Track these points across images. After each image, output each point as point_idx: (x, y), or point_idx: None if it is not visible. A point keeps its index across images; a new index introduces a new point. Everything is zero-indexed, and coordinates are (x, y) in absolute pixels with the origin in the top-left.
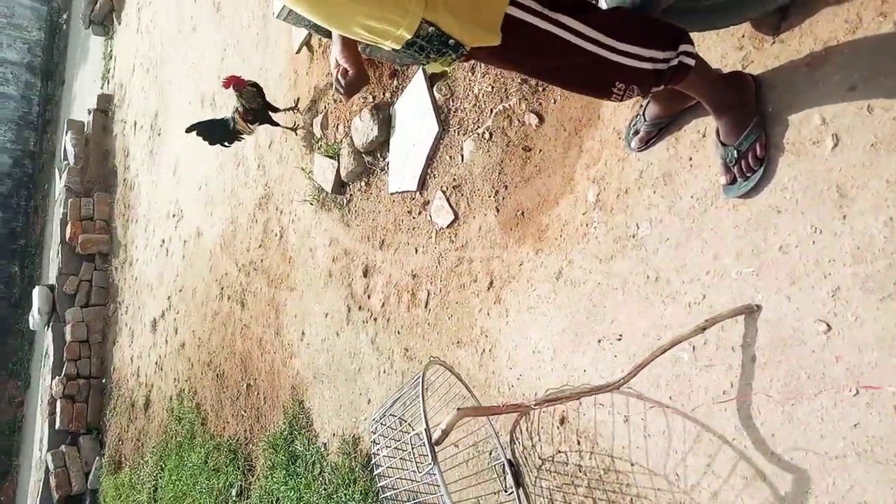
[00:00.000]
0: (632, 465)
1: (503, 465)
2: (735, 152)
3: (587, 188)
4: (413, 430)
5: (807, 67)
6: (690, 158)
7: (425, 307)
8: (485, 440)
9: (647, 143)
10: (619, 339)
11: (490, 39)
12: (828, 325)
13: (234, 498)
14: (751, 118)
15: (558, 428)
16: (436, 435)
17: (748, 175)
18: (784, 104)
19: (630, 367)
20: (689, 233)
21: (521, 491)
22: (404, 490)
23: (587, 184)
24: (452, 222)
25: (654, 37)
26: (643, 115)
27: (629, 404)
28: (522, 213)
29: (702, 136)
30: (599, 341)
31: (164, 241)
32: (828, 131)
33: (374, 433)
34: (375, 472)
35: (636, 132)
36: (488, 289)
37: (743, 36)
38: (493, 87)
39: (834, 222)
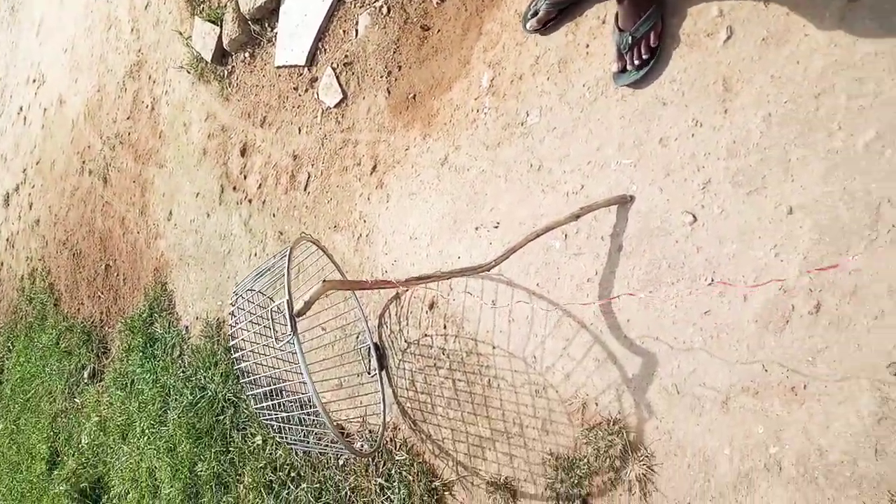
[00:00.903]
0: (493, 348)
1: (369, 347)
2: (630, 38)
3: (482, 73)
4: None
5: None
6: (587, 46)
7: (304, 190)
8: (353, 323)
9: (546, 24)
10: (497, 227)
11: None
12: (694, 216)
13: (85, 380)
14: (650, 4)
15: (427, 312)
16: (298, 306)
17: (638, 65)
18: None
19: (502, 251)
20: (577, 122)
21: (383, 373)
22: (261, 364)
23: (483, 68)
24: (340, 102)
25: None
26: None
27: (498, 291)
28: (414, 96)
29: (602, 22)
30: (477, 228)
31: (22, 108)
32: (723, 23)
33: (234, 305)
34: (230, 344)
35: (535, 13)
36: (371, 173)
37: None
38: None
39: (715, 116)
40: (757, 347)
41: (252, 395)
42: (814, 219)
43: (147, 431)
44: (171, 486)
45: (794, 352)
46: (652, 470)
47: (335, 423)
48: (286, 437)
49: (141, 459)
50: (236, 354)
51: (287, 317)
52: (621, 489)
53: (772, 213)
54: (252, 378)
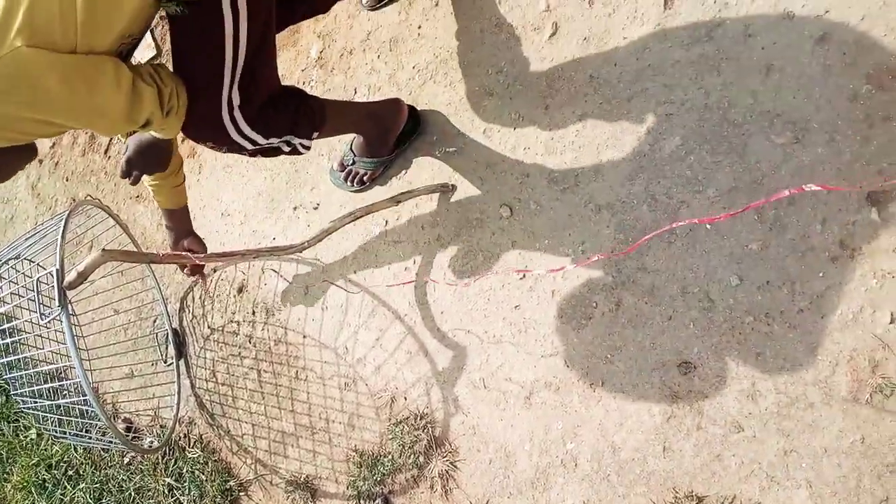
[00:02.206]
0: (304, 337)
1: (167, 333)
2: (352, 161)
3: (311, 44)
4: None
5: None
6: (419, 27)
7: (105, 153)
8: (151, 306)
9: (381, 0)
10: (316, 209)
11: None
12: (511, 209)
13: None
14: (387, 153)
15: (235, 297)
16: (70, 276)
17: (355, 187)
18: None
19: (316, 232)
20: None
21: (181, 362)
22: (28, 344)
23: (312, 38)
24: (153, 59)
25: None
26: None
27: (312, 276)
28: None
29: (435, 4)
30: (295, 209)
31: None
32: (549, 19)
33: None
34: None
35: None
36: (183, 140)
37: None
38: None
39: (537, 111)
40: (560, 343)
41: (10, 378)
42: (619, 218)
43: None
44: None
45: (594, 349)
46: (455, 466)
47: (123, 417)
48: (57, 430)
49: None
50: None
51: (56, 289)
52: (423, 486)
53: (581, 211)
54: (17, 359)
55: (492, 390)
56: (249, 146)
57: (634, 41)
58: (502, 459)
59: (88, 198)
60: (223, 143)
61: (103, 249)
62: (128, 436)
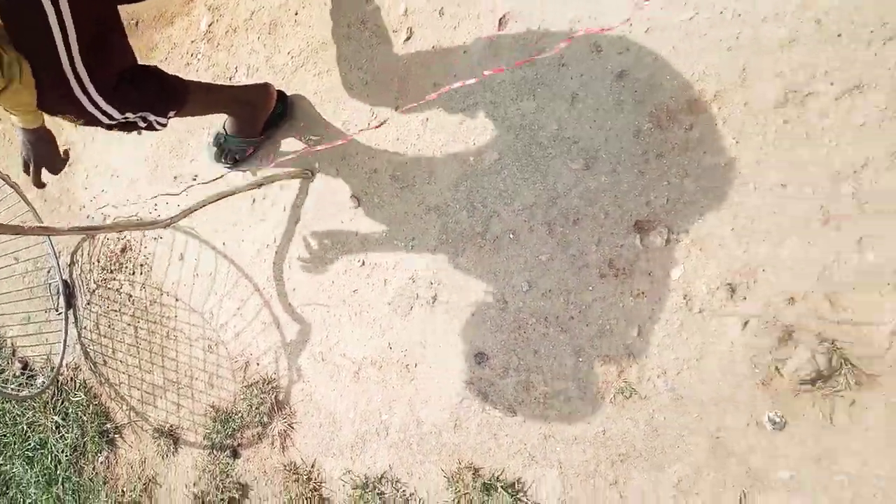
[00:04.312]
0: (176, 300)
1: (58, 285)
2: (224, 140)
3: (202, 15)
4: None
5: None
6: (297, 13)
7: None
8: (45, 257)
9: None
10: (194, 179)
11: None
12: (359, 201)
13: None
14: (257, 135)
15: (118, 256)
16: None
17: (227, 165)
18: None
19: (183, 209)
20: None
21: (70, 312)
22: None
23: (203, 10)
24: None
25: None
26: None
27: (188, 245)
28: (137, 22)
29: None
30: (176, 177)
31: None
32: (406, 23)
33: None
34: None
35: None
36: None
37: None
38: None
39: (388, 110)
40: (387, 327)
41: None
42: (443, 220)
43: None
44: None
45: (413, 335)
46: (292, 427)
47: (19, 357)
48: None
49: None
50: None
51: None
52: (265, 442)
53: (415, 209)
54: None
55: (328, 363)
56: (105, 119)
57: (472, 56)
58: (330, 424)
59: None
60: (79, 115)
61: None
62: (24, 373)
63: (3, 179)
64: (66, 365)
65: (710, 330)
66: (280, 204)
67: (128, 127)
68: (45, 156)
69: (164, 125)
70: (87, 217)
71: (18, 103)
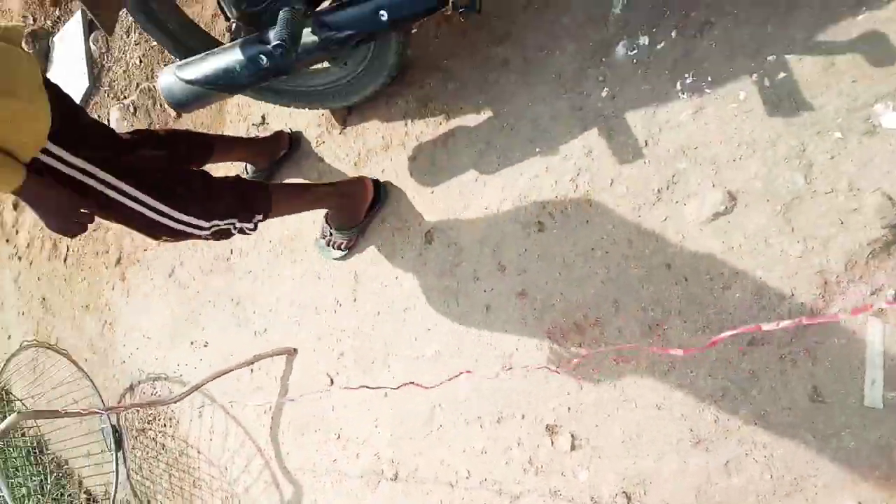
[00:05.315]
0: (199, 453)
1: (109, 429)
2: (329, 232)
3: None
4: None
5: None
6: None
7: (64, 262)
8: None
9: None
10: (206, 346)
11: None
12: (332, 379)
13: None
14: (351, 225)
15: (152, 409)
16: None
17: (339, 254)
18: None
19: (187, 388)
20: (265, 274)
21: (119, 453)
22: None
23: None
24: None
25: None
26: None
27: (204, 403)
28: None
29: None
30: (192, 343)
31: None
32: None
33: None
34: None
35: None
36: (116, 264)
37: (323, 115)
38: (141, 61)
39: (348, 301)
40: (361, 498)
41: None
42: (395, 405)
43: None
44: None
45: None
46: None
47: (85, 489)
48: None
49: None
50: None
51: None
52: None
53: (376, 392)
54: None
55: None
56: (198, 231)
57: (406, 269)
58: None
59: (24, 343)
60: (174, 236)
61: (17, 412)
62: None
63: (50, 348)
64: (120, 501)
65: None
66: (271, 373)
67: (221, 235)
68: (53, 210)
69: (253, 230)
70: (130, 372)
71: None
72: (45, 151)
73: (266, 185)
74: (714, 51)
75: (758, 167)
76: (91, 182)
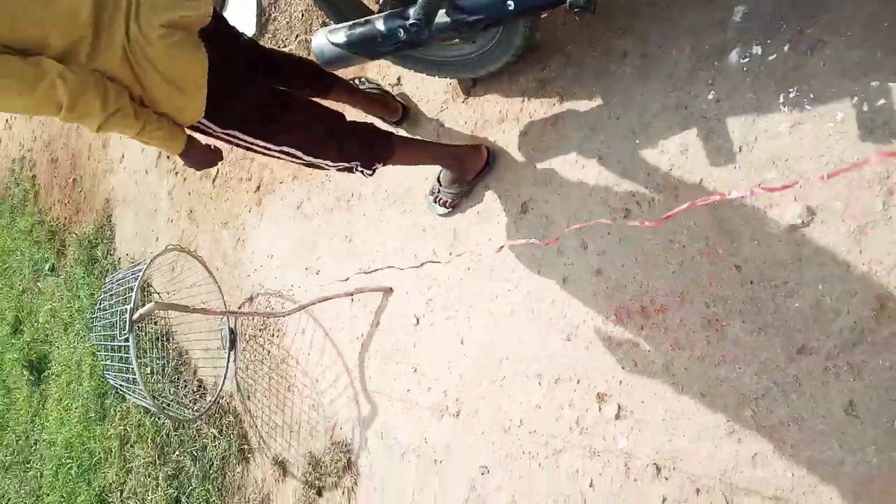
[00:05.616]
0: (297, 363)
1: (227, 330)
2: (438, 189)
3: None
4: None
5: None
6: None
7: (213, 182)
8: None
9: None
10: (318, 273)
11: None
12: (418, 320)
13: (46, 271)
14: (465, 184)
15: (265, 319)
16: (135, 316)
17: (443, 211)
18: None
19: (296, 306)
20: (377, 219)
21: (231, 352)
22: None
23: None
24: None
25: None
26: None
27: (309, 322)
28: None
29: None
30: (307, 268)
31: None
32: None
33: (104, 291)
34: (91, 317)
35: None
36: (255, 191)
37: (450, 84)
38: (303, 15)
39: (445, 254)
40: (427, 426)
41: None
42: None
43: (81, 332)
44: (89, 382)
45: (443, 438)
46: (357, 484)
47: (198, 378)
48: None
49: (73, 352)
50: (91, 330)
51: (127, 322)
52: (338, 491)
53: (451, 343)
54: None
55: (386, 441)
56: (326, 167)
57: (499, 233)
58: (380, 492)
59: (171, 246)
60: (306, 166)
61: (156, 302)
62: (199, 390)
63: (192, 255)
64: (226, 392)
65: (639, 496)
66: (368, 306)
67: (346, 170)
68: (202, 160)
69: (371, 175)
70: (252, 285)
71: (126, 127)
72: (199, 123)
73: (392, 137)
74: (822, 69)
75: (841, 187)
76: (236, 141)
